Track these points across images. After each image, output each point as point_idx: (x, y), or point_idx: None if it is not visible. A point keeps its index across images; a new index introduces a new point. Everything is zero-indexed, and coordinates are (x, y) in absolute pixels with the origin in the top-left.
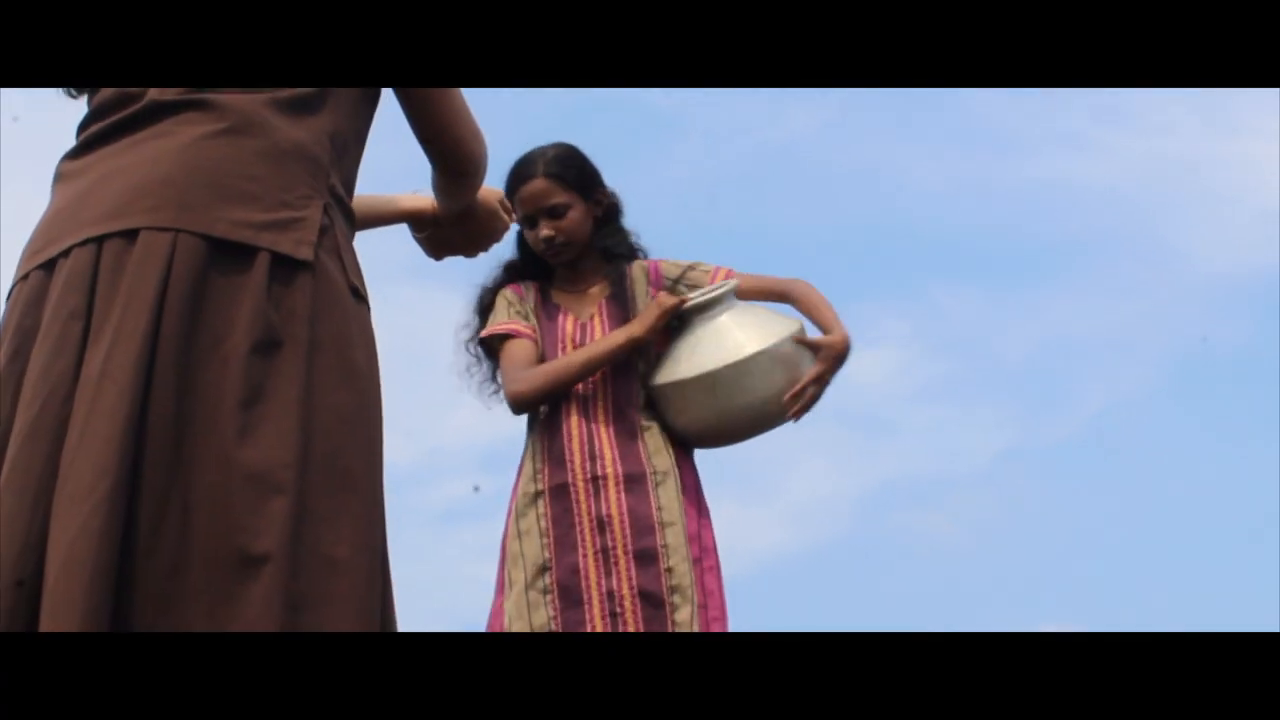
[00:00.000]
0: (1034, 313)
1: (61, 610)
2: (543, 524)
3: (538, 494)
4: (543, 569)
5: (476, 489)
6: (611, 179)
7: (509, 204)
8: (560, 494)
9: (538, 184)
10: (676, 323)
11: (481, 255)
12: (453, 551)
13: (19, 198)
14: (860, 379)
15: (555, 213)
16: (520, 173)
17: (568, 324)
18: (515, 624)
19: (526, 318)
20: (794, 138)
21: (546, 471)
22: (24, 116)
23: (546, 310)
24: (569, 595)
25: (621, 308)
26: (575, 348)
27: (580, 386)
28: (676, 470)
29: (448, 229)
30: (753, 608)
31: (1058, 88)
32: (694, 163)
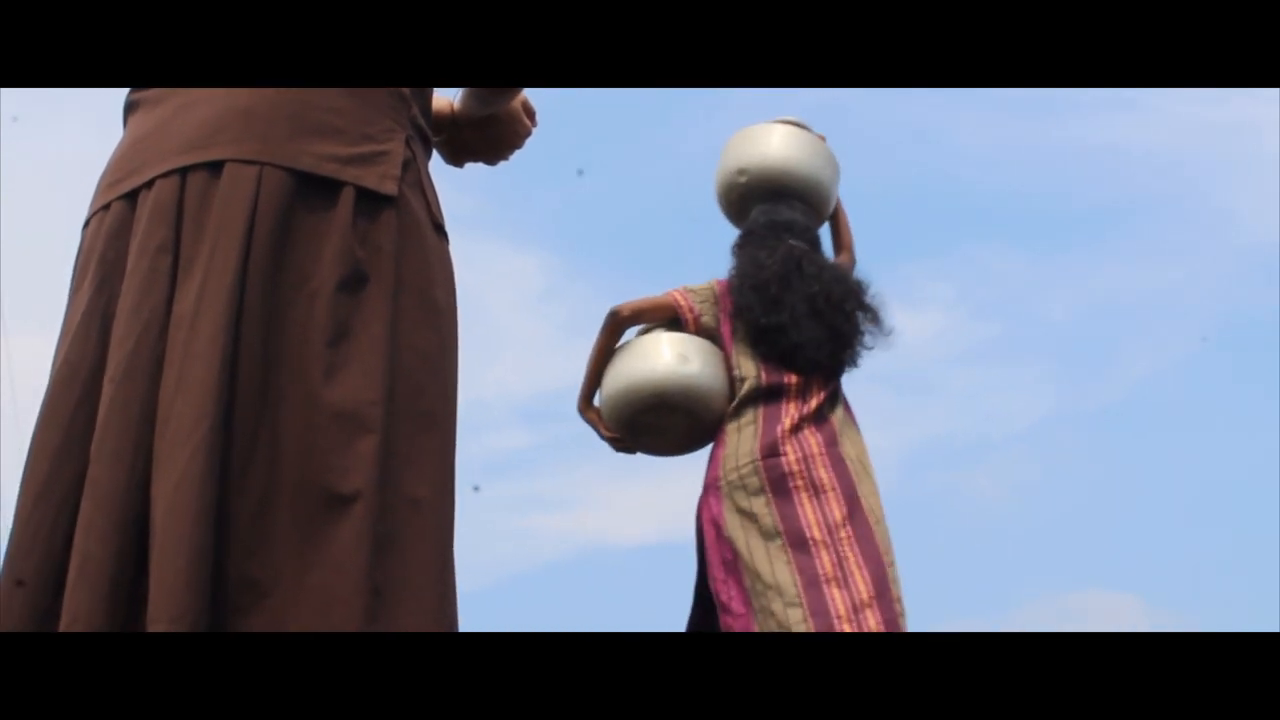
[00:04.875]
0: (1080, 276)
1: (169, 553)
2: None
3: None
4: None
5: (476, 489)
6: (649, 142)
7: (531, 107)
8: None
9: None
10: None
11: (502, 164)
12: (495, 505)
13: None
14: (903, 341)
15: None
16: None
17: None
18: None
19: None
20: (837, 99)
21: None
22: (23, 116)
23: None
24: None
25: None
26: None
27: None
28: None
29: (468, 132)
30: None
31: (1086, 88)
32: (737, 124)
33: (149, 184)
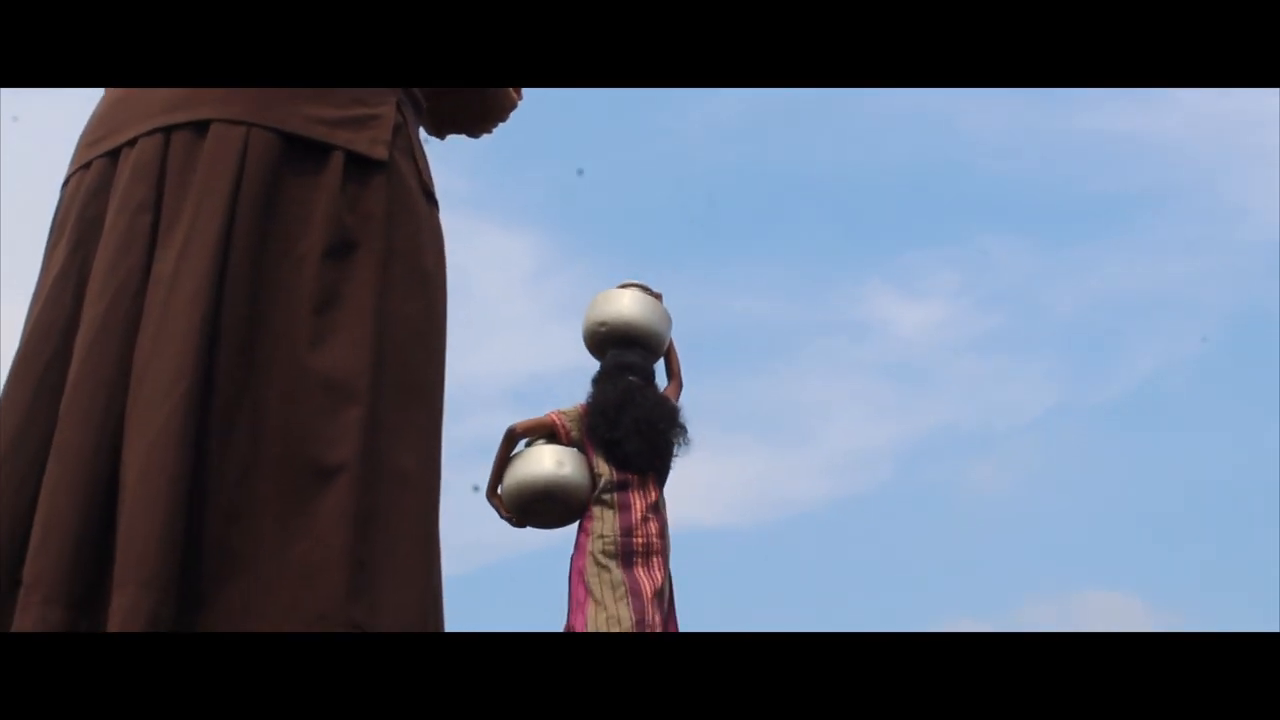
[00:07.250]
0: (1088, 268)
1: (141, 514)
2: None
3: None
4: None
5: (476, 489)
6: (655, 120)
7: None
8: None
9: None
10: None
11: (486, 137)
12: (482, 489)
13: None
14: (906, 330)
15: None
16: None
17: None
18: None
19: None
20: None
21: None
22: (24, 116)
23: None
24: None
25: None
26: None
27: None
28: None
29: (450, 102)
30: (789, 556)
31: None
32: (740, 103)
33: (131, 142)
